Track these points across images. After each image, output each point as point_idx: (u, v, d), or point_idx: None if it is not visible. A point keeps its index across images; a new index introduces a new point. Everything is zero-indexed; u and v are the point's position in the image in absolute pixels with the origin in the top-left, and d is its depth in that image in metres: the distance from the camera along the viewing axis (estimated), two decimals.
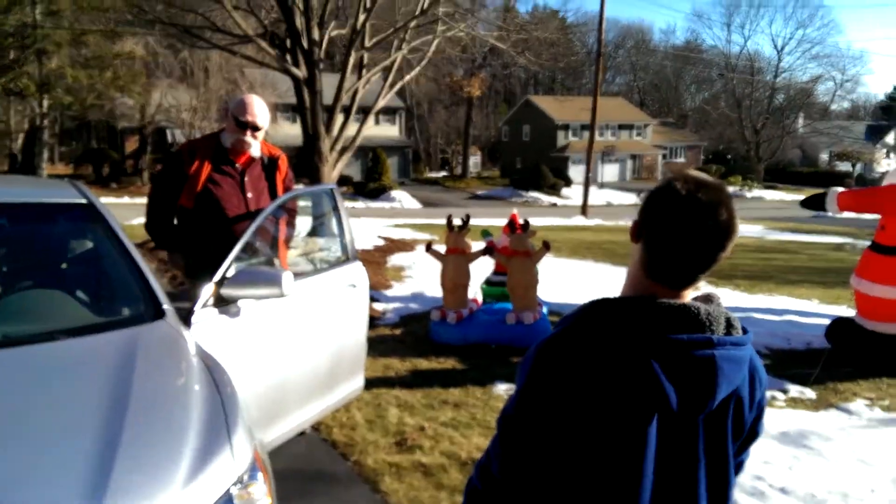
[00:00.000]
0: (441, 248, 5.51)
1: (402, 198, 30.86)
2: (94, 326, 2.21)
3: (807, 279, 10.01)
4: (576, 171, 42.87)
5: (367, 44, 12.92)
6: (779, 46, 45.92)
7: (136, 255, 2.49)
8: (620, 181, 45.51)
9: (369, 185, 31.83)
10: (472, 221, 5.58)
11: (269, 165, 3.43)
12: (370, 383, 4.30)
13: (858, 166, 46.72)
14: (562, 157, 44.16)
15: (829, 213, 5.40)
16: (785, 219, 25.99)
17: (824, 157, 50.85)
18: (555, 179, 35.57)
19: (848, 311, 7.21)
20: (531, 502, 1.14)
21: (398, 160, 39.84)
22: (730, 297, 7.99)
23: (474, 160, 51.72)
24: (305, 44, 11.66)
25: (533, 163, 40.02)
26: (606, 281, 8.98)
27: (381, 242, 12.14)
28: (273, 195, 3.39)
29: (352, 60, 12.26)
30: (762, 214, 27.90)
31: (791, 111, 45.86)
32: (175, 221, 3.25)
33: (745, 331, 1.13)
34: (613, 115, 46.10)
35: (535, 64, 15.20)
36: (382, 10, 13.63)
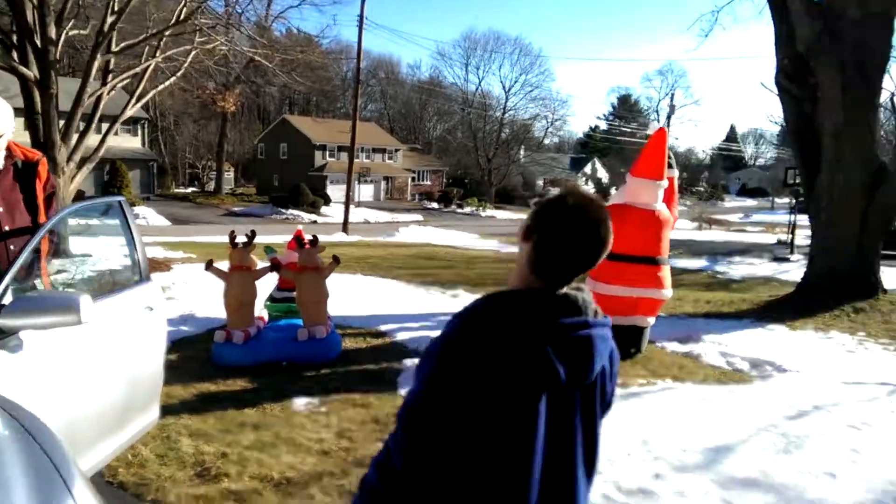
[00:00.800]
0: (223, 266, 5.36)
1: (147, 214, 28.16)
2: None
3: None
4: (334, 190, 43.47)
5: (115, 48, 11.79)
6: (506, 88, 52.31)
7: None
8: (375, 201, 47.27)
9: None
10: (253, 230, 5.52)
11: (25, 171, 2.93)
12: None
13: None
14: (320, 177, 44.41)
15: None
16: (514, 234, 29.50)
17: (540, 182, 59.03)
18: (314, 197, 35.63)
19: None
20: (436, 490, 1.19)
21: (141, 174, 36.21)
22: None
23: (227, 177, 49.24)
24: (39, 42, 10.24)
25: (291, 181, 39.56)
26: (378, 292, 9.44)
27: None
28: (32, 206, 2.96)
29: (96, 64, 11.08)
30: (497, 231, 31.29)
31: (515, 143, 52.40)
32: None
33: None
34: (368, 138, 47.78)
35: (302, 85, 15.26)
36: (131, 15, 12.53)
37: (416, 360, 4.73)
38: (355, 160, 44.20)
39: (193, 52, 13.44)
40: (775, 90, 10.21)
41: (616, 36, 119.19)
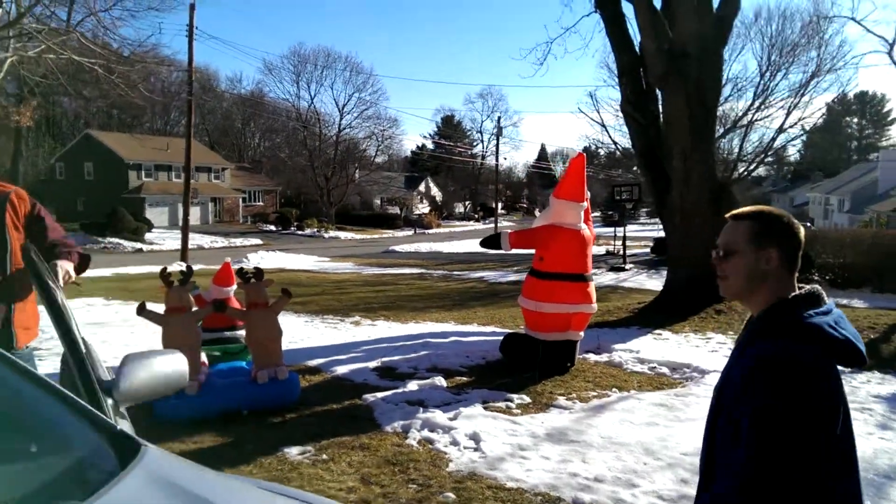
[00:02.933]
0: (157, 308, 4.74)
1: None
2: (77, 484, 1.31)
3: (428, 305, 11.78)
4: (154, 214, 39.83)
5: None
6: (340, 106, 52.03)
7: (42, 377, 1.59)
8: (203, 224, 44.15)
9: None
10: (189, 265, 4.96)
11: None
12: None
13: (404, 210, 56.32)
14: (137, 199, 40.42)
15: (503, 251, 6.67)
16: (364, 255, 29.44)
17: (377, 201, 59.44)
18: (137, 223, 32.32)
19: (478, 328, 8.96)
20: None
21: None
22: (390, 328, 8.90)
23: None
24: None
25: (100, 205, 35.59)
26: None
27: None
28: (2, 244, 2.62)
29: None
30: (345, 252, 30.98)
31: (350, 162, 52.32)
32: None
33: None
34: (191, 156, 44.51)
35: (142, 98, 13.87)
36: None
37: (380, 394, 4.56)
38: (177, 180, 41.05)
39: (10, 60, 11.68)
40: (618, 116, 11.47)
41: (441, 58, 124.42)
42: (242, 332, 5.44)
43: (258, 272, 5.01)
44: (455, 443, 4.15)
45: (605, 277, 17.94)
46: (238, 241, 35.51)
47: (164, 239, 34.01)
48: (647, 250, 25.94)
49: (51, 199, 45.90)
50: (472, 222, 62.70)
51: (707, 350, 7.34)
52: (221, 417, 4.52)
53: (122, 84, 12.24)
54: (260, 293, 4.89)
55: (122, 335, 7.76)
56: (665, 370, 6.41)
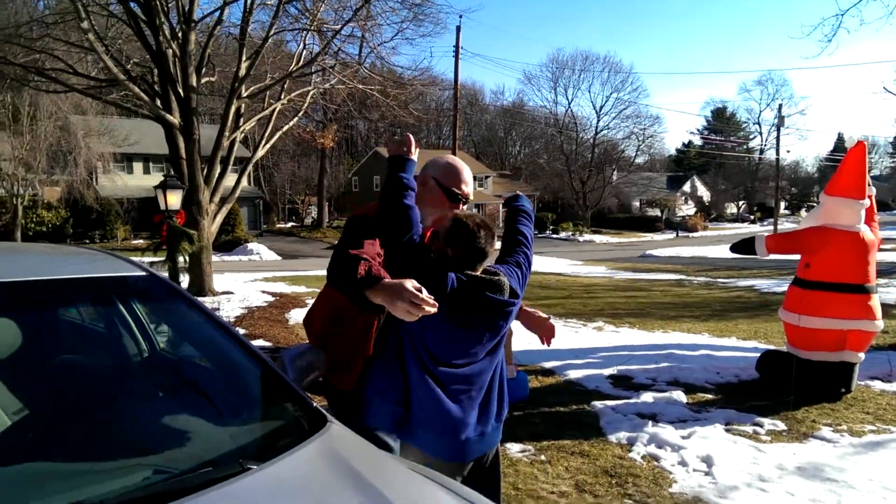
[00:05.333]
0: None
1: (260, 250, 29.40)
2: (266, 445, 1.58)
3: (681, 314, 10.99)
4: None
5: (244, 93, 12.36)
6: (597, 107, 51.50)
7: (247, 341, 1.97)
8: None
9: (222, 237, 29.92)
10: None
11: None
12: None
13: (665, 212, 53.26)
14: None
15: (758, 256, 5.97)
16: (618, 259, 28.60)
17: (636, 203, 57.21)
18: None
19: (737, 342, 8.08)
20: None
21: (249, 211, 38.11)
22: (634, 336, 8.51)
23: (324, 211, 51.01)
24: (181, 90, 10.86)
25: None
26: (517, 326, 9.14)
27: (271, 298, 11.30)
28: None
29: (233, 109, 11.62)
30: (599, 256, 30.49)
31: (607, 164, 51.30)
32: None
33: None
34: None
35: (413, 117, 15.55)
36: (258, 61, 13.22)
37: (610, 403, 4.37)
38: None
39: (312, 93, 13.92)
40: None
41: (710, 47, 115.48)
42: None
43: None
44: (683, 463, 3.84)
45: None
46: (497, 245, 37.34)
47: None
48: None
49: (347, 209, 53.74)
50: (746, 224, 56.69)
51: None
52: None
53: (394, 105, 13.80)
54: None
55: None
56: None
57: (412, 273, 1.90)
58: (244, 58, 11.37)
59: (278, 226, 45.71)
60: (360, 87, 14.43)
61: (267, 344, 7.09)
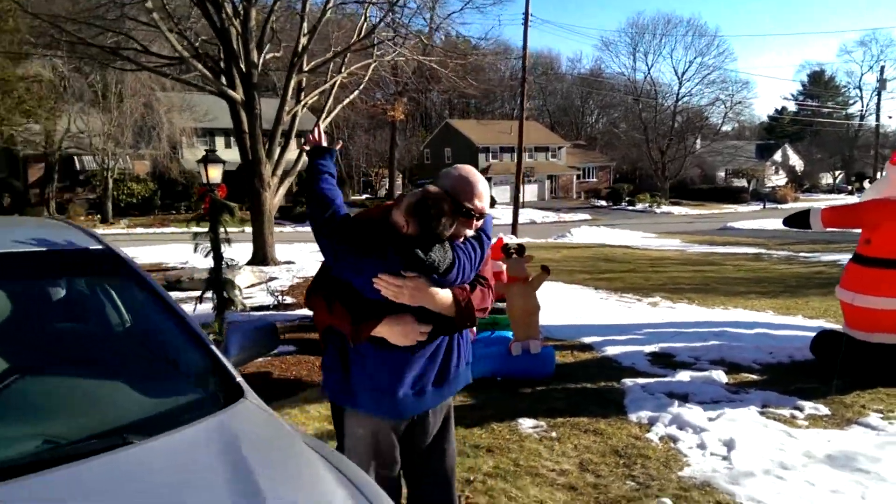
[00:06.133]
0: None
1: None
2: (165, 419, 1.61)
3: (750, 290, 10.43)
4: (498, 192, 43.64)
5: (306, 67, 12.56)
6: (679, 73, 48.94)
7: (186, 315, 2.03)
8: (540, 200, 46.74)
9: (296, 210, 30.92)
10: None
11: None
12: None
13: (752, 182, 50.34)
14: (485, 179, 44.89)
15: (812, 230, 5.56)
16: (696, 232, 27.40)
17: (721, 174, 54.38)
18: None
19: (802, 321, 7.58)
20: None
21: None
22: (690, 312, 8.16)
23: (397, 182, 51.66)
24: (243, 66, 11.16)
25: None
26: (568, 299, 8.99)
27: None
28: None
29: (293, 83, 11.85)
30: (675, 229, 29.31)
31: (690, 133, 48.87)
32: None
33: None
34: (530, 138, 47.40)
35: (473, 88, 15.37)
36: (319, 35, 13.37)
37: (642, 381, 4.20)
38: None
39: (373, 66, 13.97)
40: None
41: (805, 5, 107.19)
42: None
43: (520, 248, 5.14)
44: (702, 446, 3.66)
45: None
46: (567, 217, 36.62)
47: (505, 215, 37.12)
48: None
49: (419, 181, 54.15)
50: (842, 195, 52.81)
51: None
52: (477, 381, 4.82)
53: (453, 77, 13.67)
54: (520, 268, 5.01)
55: None
56: None
57: (350, 242, 1.94)
58: (304, 32, 11.54)
59: (352, 198, 46.72)
60: (421, 59, 14.38)
61: (309, 314, 7.30)
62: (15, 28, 16.73)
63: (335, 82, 13.23)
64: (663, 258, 16.61)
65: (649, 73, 50.43)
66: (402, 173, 55.47)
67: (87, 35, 11.62)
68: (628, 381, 4.89)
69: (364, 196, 49.90)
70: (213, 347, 1.89)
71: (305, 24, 11.65)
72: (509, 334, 5.44)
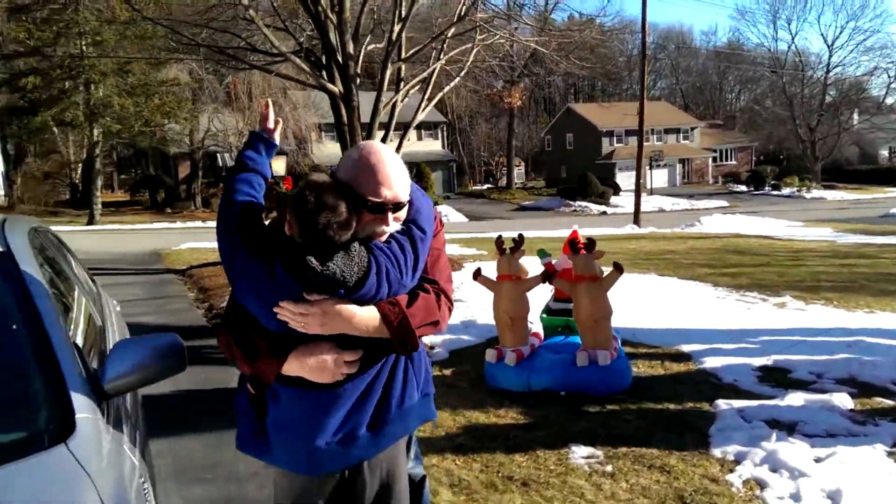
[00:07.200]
0: (492, 275, 4.74)
1: (448, 212, 30.39)
2: None
3: None
4: (623, 178, 41.57)
5: (403, 55, 12.38)
6: (829, 41, 43.59)
7: (57, 326, 1.68)
8: (670, 186, 43.96)
9: None
10: (523, 233, 4.80)
11: None
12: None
13: None
14: (608, 165, 42.96)
15: None
16: (852, 220, 24.26)
17: (884, 153, 48.00)
18: (603, 188, 34.46)
19: None
20: None
21: (442, 174, 39.40)
22: (824, 316, 6.97)
23: (518, 171, 51.05)
24: (340, 58, 11.17)
25: (578, 171, 38.97)
26: (676, 297, 8.05)
27: None
28: None
29: (388, 73, 11.71)
30: (827, 216, 26.21)
31: (844, 107, 43.46)
32: None
33: None
34: (659, 119, 44.67)
35: (579, 68, 14.40)
36: (419, 23, 13.09)
37: (739, 403, 3.42)
38: (646, 144, 41.81)
39: (475, 50, 13.50)
40: None
41: None
42: None
43: (590, 242, 4.49)
44: (797, 497, 2.88)
45: None
46: (701, 204, 33.99)
47: (629, 203, 35.26)
48: None
49: (541, 169, 53.11)
50: None
51: None
52: (539, 394, 4.27)
53: (557, 57, 12.88)
54: (588, 265, 4.37)
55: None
56: None
57: (242, 232, 1.58)
58: (396, 20, 11.32)
59: (472, 188, 46.72)
60: (525, 41, 13.68)
61: None
62: (154, 35, 18.19)
63: (434, 70, 12.93)
64: (806, 250, 14.70)
65: (793, 42, 45.23)
66: (525, 161, 54.66)
67: (201, 38, 12.21)
68: (722, 403, 4.09)
69: (485, 186, 49.71)
70: (69, 369, 1.55)
71: (403, 9, 11.42)
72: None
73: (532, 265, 4.80)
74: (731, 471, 3.19)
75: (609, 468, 3.24)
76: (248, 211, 1.64)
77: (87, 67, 23.12)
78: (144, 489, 1.53)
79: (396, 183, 1.57)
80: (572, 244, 4.53)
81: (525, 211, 35.33)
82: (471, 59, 13.79)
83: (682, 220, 24.71)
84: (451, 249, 13.77)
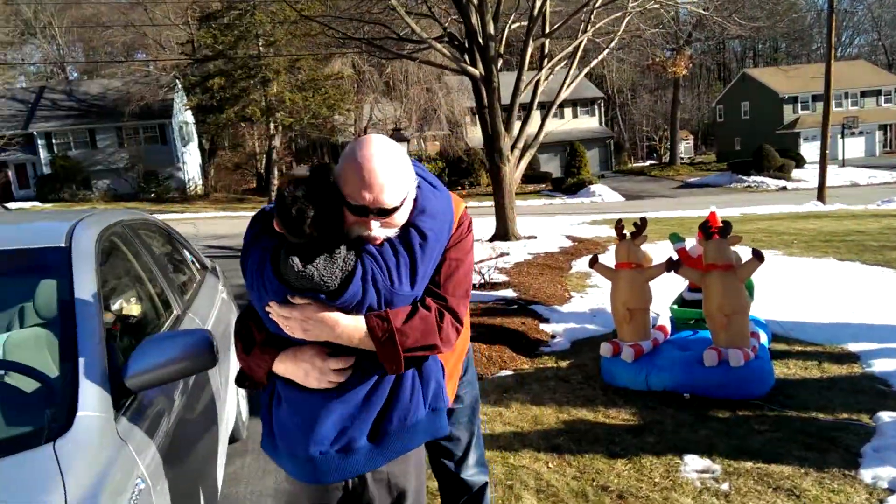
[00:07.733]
0: (610, 262, 4.40)
1: (602, 191, 29.22)
2: None
3: None
4: (808, 149, 37.10)
5: (548, 30, 12.02)
6: None
7: (88, 321, 1.71)
8: (868, 157, 38.48)
9: (568, 181, 30.60)
10: (680, 213, 4.38)
11: None
12: (507, 444, 3.38)
13: None
14: (790, 135, 38.55)
15: None
16: None
17: None
18: (783, 160, 31.02)
19: None
20: None
21: (598, 152, 37.96)
22: None
23: (685, 146, 47.75)
24: (481, 40, 11.11)
25: (755, 143, 35.40)
26: (854, 287, 6.95)
27: (568, 243, 10.97)
28: None
29: (529, 50, 11.44)
30: None
31: None
32: None
33: None
34: (854, 80, 39.13)
35: (747, 30, 12.94)
36: None
37: None
38: (836, 109, 36.80)
39: (627, 19, 12.69)
40: None
41: None
42: None
43: (725, 226, 3.97)
44: None
45: None
46: None
47: (814, 177, 31.38)
48: None
49: (712, 142, 49.12)
50: None
51: None
52: (660, 394, 3.89)
53: (717, 18, 11.70)
54: (720, 252, 3.86)
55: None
56: None
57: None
58: None
59: (631, 165, 44.45)
60: (680, 3, 12.58)
61: (512, 295, 6.87)
62: (318, 32, 19.48)
63: (581, 43, 12.39)
64: None
65: None
66: (693, 134, 50.93)
67: (351, 31, 12.79)
68: (886, 416, 3.43)
69: (648, 163, 47.09)
70: (88, 365, 1.59)
71: None
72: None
73: (661, 252, 4.38)
74: (881, 501, 2.64)
75: (724, 486, 2.84)
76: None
77: (263, 66, 25.44)
78: (136, 497, 1.49)
79: (380, 186, 1.39)
80: (705, 228, 4.04)
81: (690, 188, 32.86)
82: (622, 28, 13.03)
83: (879, 195, 21.44)
84: (599, 231, 13.13)
